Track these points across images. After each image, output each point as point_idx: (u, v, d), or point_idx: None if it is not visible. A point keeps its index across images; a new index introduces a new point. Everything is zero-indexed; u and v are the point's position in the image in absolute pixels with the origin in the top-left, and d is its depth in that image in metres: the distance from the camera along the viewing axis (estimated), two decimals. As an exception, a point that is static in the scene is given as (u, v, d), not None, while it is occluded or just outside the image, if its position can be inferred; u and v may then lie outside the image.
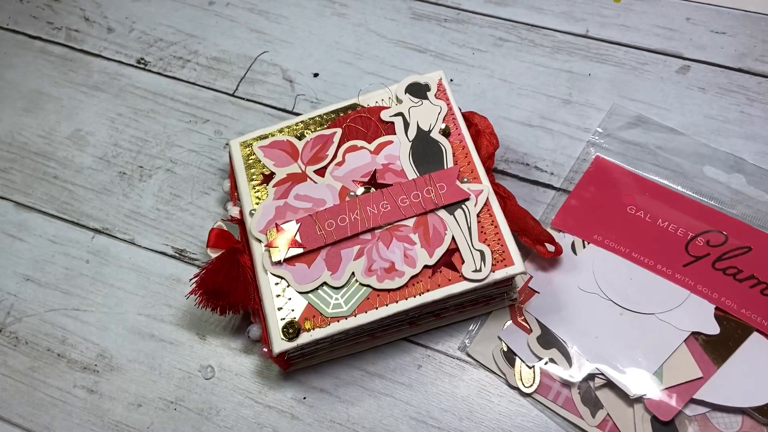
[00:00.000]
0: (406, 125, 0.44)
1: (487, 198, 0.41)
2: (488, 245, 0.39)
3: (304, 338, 0.38)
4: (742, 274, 0.41)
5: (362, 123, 0.45)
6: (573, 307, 0.42)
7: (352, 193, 0.42)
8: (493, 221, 0.40)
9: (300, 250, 0.40)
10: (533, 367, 0.40)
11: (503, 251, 0.39)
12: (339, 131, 0.45)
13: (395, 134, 0.44)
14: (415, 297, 0.39)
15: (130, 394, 0.43)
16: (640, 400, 0.38)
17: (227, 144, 0.48)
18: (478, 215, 0.40)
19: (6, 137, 0.54)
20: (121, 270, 0.47)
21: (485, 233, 0.40)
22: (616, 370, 0.39)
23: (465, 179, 0.42)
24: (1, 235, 0.49)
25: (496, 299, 0.42)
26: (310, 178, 0.43)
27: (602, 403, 0.39)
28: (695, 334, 0.40)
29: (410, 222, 0.41)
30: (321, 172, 0.44)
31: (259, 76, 0.54)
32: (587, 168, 0.46)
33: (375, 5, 0.57)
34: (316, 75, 0.54)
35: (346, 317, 0.39)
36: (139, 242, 0.48)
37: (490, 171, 0.44)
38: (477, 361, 0.42)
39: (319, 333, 0.38)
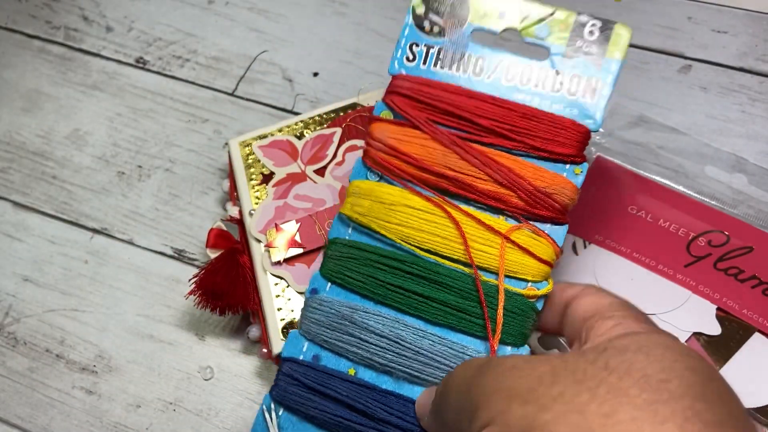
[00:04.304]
0: (407, 125, 0.44)
1: (488, 198, 0.41)
2: (489, 245, 0.39)
3: (304, 339, 0.39)
4: (743, 274, 0.41)
5: (362, 122, 0.45)
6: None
7: (352, 193, 0.42)
8: (494, 221, 0.40)
9: (300, 250, 0.40)
10: (534, 367, 0.40)
11: (504, 251, 0.39)
12: (339, 131, 0.45)
13: (395, 134, 0.44)
14: (415, 297, 0.39)
15: (128, 395, 0.43)
16: (641, 401, 0.38)
17: (226, 144, 0.47)
18: (478, 215, 0.41)
19: (4, 137, 0.53)
20: (120, 270, 0.47)
21: (486, 233, 0.40)
22: (618, 371, 0.39)
23: (466, 179, 0.42)
24: (-1, 235, 0.49)
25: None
26: (310, 178, 0.43)
27: (603, 404, 0.39)
28: (696, 335, 0.40)
29: (411, 222, 0.41)
30: (321, 171, 0.44)
31: (259, 75, 0.54)
32: (588, 168, 0.46)
33: (375, 4, 0.56)
34: (315, 74, 0.54)
35: (346, 318, 0.39)
36: (138, 242, 0.48)
37: (491, 171, 0.44)
38: (477, 361, 0.41)
39: (319, 334, 0.39)
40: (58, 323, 0.45)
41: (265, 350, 0.40)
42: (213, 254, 0.42)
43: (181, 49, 0.56)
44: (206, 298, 0.41)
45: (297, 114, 0.52)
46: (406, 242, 0.32)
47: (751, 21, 0.52)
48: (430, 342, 0.31)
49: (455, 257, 0.32)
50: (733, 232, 0.42)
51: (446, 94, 0.34)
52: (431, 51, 0.35)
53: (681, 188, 0.45)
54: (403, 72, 0.35)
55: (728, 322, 0.40)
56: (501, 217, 0.32)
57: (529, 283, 0.32)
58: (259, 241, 0.41)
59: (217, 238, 0.42)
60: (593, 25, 0.33)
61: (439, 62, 0.35)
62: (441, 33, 0.35)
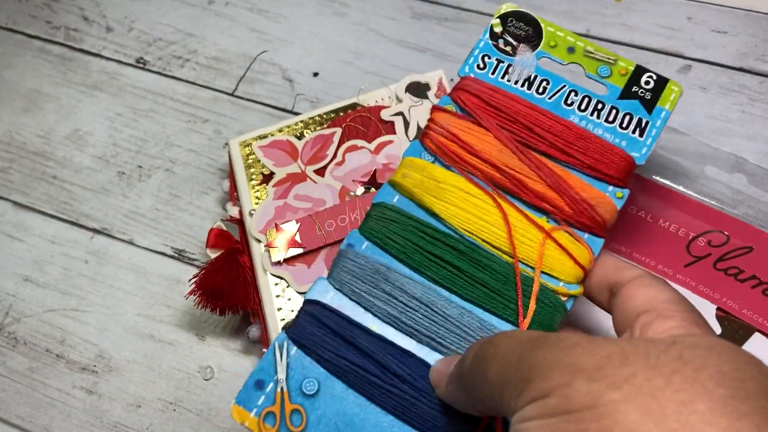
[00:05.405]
0: (407, 125, 0.44)
1: (488, 198, 0.41)
2: (489, 245, 0.40)
3: (304, 339, 0.39)
4: (743, 274, 0.41)
5: (362, 122, 0.45)
6: (575, 308, 0.41)
7: (352, 193, 0.42)
8: (494, 221, 0.41)
9: (300, 250, 0.40)
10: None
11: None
12: (339, 131, 0.45)
13: (395, 134, 0.44)
14: (415, 297, 0.39)
15: (129, 395, 0.43)
16: (641, 401, 0.38)
17: (226, 144, 0.47)
18: (478, 215, 0.41)
19: (5, 137, 0.54)
20: (120, 270, 0.47)
21: (486, 233, 0.40)
22: (618, 371, 0.39)
23: (466, 179, 0.42)
24: (-1, 235, 0.49)
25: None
26: (310, 178, 0.43)
27: (603, 404, 0.39)
28: (697, 335, 0.40)
29: (410, 222, 0.41)
30: (321, 171, 0.44)
31: (259, 75, 0.54)
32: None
33: (375, 4, 0.56)
34: (315, 74, 0.54)
35: (346, 318, 0.39)
36: (138, 242, 0.48)
37: (491, 171, 0.44)
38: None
39: (319, 334, 0.39)
40: (58, 323, 0.45)
41: (265, 350, 0.40)
42: (213, 254, 0.42)
43: (181, 49, 0.56)
44: (206, 298, 0.41)
45: (297, 114, 0.52)
46: (451, 219, 0.34)
47: (751, 21, 0.52)
48: (459, 313, 0.32)
49: (496, 244, 0.33)
50: (733, 232, 0.42)
51: (511, 102, 0.36)
52: (501, 65, 0.38)
53: (681, 188, 0.45)
54: (473, 76, 0.38)
55: (728, 322, 0.40)
56: (544, 218, 0.34)
57: (562, 283, 0.33)
58: (259, 241, 0.41)
59: (217, 238, 0.42)
60: (650, 76, 0.37)
61: (506, 75, 0.38)
62: (513, 52, 0.38)
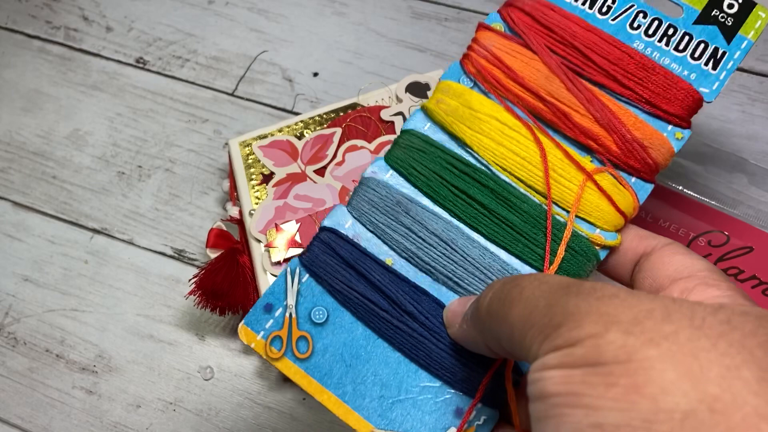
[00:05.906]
0: (407, 125, 0.44)
1: (488, 198, 0.41)
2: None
3: (304, 339, 0.38)
4: (743, 274, 0.41)
5: (362, 122, 0.45)
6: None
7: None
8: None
9: (300, 250, 0.40)
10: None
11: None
12: (339, 131, 0.45)
13: (395, 134, 0.44)
14: (415, 297, 0.39)
15: (129, 395, 0.43)
16: (641, 401, 0.38)
17: (226, 144, 0.47)
18: (478, 215, 0.41)
19: (4, 137, 0.54)
20: (120, 270, 0.47)
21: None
22: (618, 371, 0.39)
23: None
24: (-1, 235, 0.49)
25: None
26: (310, 178, 0.43)
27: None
28: (697, 335, 0.39)
29: (410, 222, 0.41)
30: (321, 171, 0.44)
31: (259, 75, 0.54)
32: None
33: (375, 4, 0.56)
34: (315, 74, 0.54)
35: (346, 318, 0.39)
36: (138, 242, 0.48)
37: (491, 171, 0.44)
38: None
39: (319, 333, 0.39)
40: (58, 323, 0.45)
41: (265, 350, 0.40)
42: (213, 254, 0.42)
43: (181, 49, 0.56)
44: (206, 298, 0.41)
45: (297, 114, 0.52)
46: (483, 153, 0.31)
47: (751, 21, 0.52)
48: (481, 254, 0.30)
49: (529, 183, 0.31)
50: (733, 232, 0.42)
51: (567, 22, 0.33)
52: None
53: (681, 188, 0.45)
54: None
55: (728, 322, 0.40)
56: (588, 157, 0.31)
57: (599, 230, 0.31)
58: (259, 241, 0.41)
59: (217, 238, 0.42)
60: None
61: None
62: None
